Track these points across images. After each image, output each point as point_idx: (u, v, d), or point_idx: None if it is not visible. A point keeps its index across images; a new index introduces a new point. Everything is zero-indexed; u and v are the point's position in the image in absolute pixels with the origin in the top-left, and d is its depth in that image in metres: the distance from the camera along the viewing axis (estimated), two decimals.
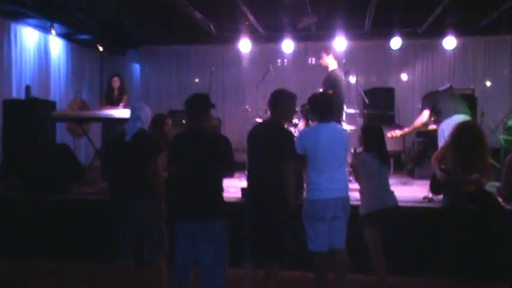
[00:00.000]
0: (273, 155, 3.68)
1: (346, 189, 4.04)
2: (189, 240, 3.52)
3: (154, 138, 3.95)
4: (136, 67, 11.10)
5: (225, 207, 3.68)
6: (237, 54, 9.38)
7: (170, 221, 3.78)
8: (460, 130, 4.40)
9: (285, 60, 9.03)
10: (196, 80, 10.22)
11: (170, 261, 3.78)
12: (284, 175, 3.70)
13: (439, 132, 5.69)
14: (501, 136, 7.04)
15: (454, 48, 8.54)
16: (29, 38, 8.34)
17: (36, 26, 8.38)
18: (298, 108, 7.08)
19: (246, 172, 3.85)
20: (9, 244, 5.48)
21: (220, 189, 3.69)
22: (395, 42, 8.56)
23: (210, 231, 3.48)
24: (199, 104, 3.68)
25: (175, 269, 3.59)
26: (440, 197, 4.93)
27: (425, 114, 5.81)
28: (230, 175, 3.86)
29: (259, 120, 7.23)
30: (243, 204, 3.92)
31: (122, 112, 6.84)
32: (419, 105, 6.83)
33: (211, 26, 8.70)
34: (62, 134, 8.19)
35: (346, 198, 4.02)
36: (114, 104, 7.66)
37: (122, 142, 3.89)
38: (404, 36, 8.52)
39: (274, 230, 3.71)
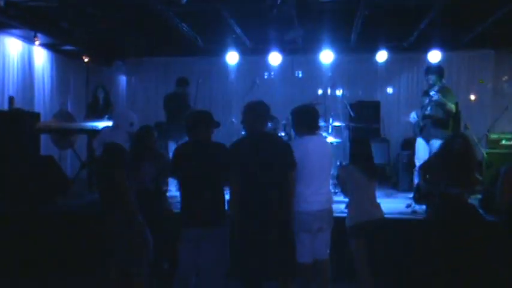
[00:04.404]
0: (276, 165, 3.73)
1: (331, 201, 4.17)
2: (194, 247, 3.74)
3: (116, 151, 3.96)
4: (123, 79, 11.14)
5: (226, 215, 3.87)
6: (224, 66, 9.49)
7: (175, 229, 3.96)
8: (451, 141, 4.52)
9: (272, 73, 9.14)
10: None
11: (171, 269, 3.91)
12: (290, 184, 3.78)
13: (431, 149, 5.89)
14: (484, 149, 7.23)
15: (439, 62, 8.73)
16: (12, 48, 8.32)
17: (20, 36, 8.36)
18: (283, 122, 7.23)
19: (233, 186, 3.84)
20: None
21: (223, 197, 3.89)
22: (381, 56, 8.73)
23: (214, 239, 3.72)
24: (201, 118, 3.96)
25: (178, 275, 3.84)
26: (424, 207, 5.06)
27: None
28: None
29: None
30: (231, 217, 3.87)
31: (107, 124, 6.88)
32: (406, 119, 7.04)
33: (198, 39, 8.81)
34: (47, 146, 8.19)
35: (331, 210, 4.15)
36: (100, 115, 7.69)
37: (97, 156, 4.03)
38: (390, 50, 8.70)
39: (288, 244, 3.75)
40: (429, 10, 6.93)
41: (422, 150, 6.26)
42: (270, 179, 3.71)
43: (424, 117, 6.21)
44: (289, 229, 3.79)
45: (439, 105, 6.03)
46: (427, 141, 6.20)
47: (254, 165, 3.72)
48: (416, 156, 6.37)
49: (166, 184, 5.05)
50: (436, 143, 5.95)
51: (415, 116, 6.35)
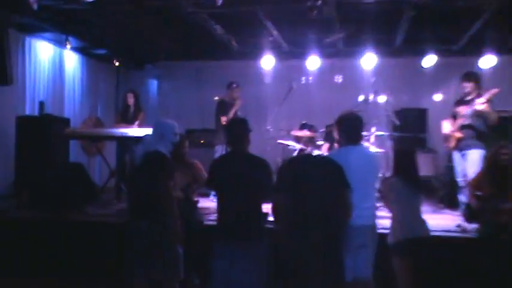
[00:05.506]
0: (330, 187, 3.70)
1: (374, 217, 4.11)
2: (228, 262, 3.72)
3: (162, 159, 4.09)
4: (154, 83, 11.37)
5: (265, 230, 3.88)
6: (259, 70, 9.53)
7: (207, 242, 3.96)
8: (496, 154, 4.45)
9: (310, 77, 9.11)
10: (216, 98, 10.36)
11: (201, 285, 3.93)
12: (347, 204, 3.72)
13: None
14: None
15: (492, 67, 8.53)
16: (43, 52, 8.62)
17: (51, 40, 8.66)
18: (322, 130, 7.22)
19: (276, 205, 3.85)
20: (18, 264, 5.65)
21: (261, 213, 3.89)
22: (429, 60, 8.59)
23: (251, 255, 3.71)
24: (241, 127, 4.00)
25: None
26: (475, 226, 4.95)
27: None
28: (269, 198, 3.91)
29: (282, 141, 7.38)
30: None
31: (137, 131, 7.01)
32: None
33: (233, 41, 8.88)
34: (76, 153, 8.42)
35: (374, 226, 4.08)
36: (130, 121, 7.85)
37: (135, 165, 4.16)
38: (438, 53, 8.56)
39: (336, 266, 3.69)
40: (482, 10, 6.79)
41: (459, 165, 6.18)
42: (320, 198, 3.68)
43: (463, 127, 6.08)
44: (340, 251, 3.73)
45: (483, 116, 5.89)
46: (462, 153, 6.10)
47: (302, 186, 3.71)
48: (456, 172, 6.27)
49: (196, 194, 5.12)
50: (473, 154, 5.88)
51: (450, 127, 6.23)
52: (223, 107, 7.77)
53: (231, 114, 7.61)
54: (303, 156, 3.98)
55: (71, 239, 5.75)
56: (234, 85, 7.90)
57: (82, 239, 5.73)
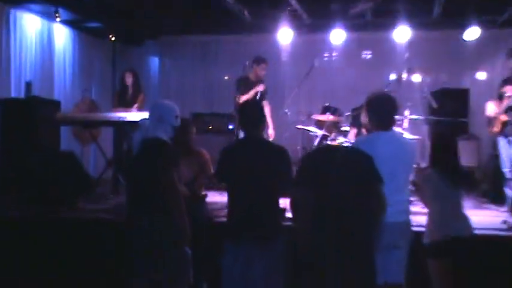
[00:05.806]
0: (357, 181, 3.62)
1: (407, 212, 4.09)
2: (240, 264, 3.74)
3: (162, 146, 4.08)
4: (155, 61, 11.41)
5: (283, 227, 3.89)
6: (276, 46, 9.50)
7: (217, 241, 3.99)
8: None
9: (334, 53, 9.08)
10: (226, 78, 10.37)
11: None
12: (382, 200, 3.67)
13: None
14: None
15: None
16: (30, 25, 8.66)
17: (39, 12, 8.69)
18: (348, 113, 7.19)
19: (295, 201, 3.83)
20: (13, 264, 5.69)
21: (277, 206, 3.90)
22: (471, 34, 8.51)
23: (267, 255, 3.71)
24: (258, 111, 4.01)
25: None
26: None
27: None
28: (288, 192, 3.89)
29: (301, 127, 7.36)
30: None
31: (136, 115, 7.02)
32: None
33: (245, 12, 8.85)
34: (68, 140, 8.47)
35: (407, 223, 4.07)
36: (128, 104, 7.88)
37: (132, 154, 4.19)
38: (482, 26, 8.47)
39: (370, 270, 3.61)
40: None
41: (506, 153, 6.22)
42: (345, 193, 3.65)
43: (509, 109, 6.10)
44: (370, 251, 3.71)
45: None
46: (509, 138, 6.15)
47: (325, 179, 3.68)
48: (501, 162, 6.29)
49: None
50: None
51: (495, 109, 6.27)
52: (246, 85, 7.49)
53: (251, 94, 7.39)
54: (327, 146, 3.92)
55: (64, 237, 5.79)
56: (264, 61, 7.69)
57: (77, 236, 5.77)
